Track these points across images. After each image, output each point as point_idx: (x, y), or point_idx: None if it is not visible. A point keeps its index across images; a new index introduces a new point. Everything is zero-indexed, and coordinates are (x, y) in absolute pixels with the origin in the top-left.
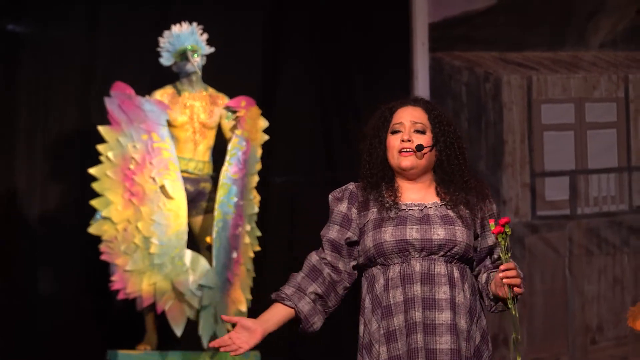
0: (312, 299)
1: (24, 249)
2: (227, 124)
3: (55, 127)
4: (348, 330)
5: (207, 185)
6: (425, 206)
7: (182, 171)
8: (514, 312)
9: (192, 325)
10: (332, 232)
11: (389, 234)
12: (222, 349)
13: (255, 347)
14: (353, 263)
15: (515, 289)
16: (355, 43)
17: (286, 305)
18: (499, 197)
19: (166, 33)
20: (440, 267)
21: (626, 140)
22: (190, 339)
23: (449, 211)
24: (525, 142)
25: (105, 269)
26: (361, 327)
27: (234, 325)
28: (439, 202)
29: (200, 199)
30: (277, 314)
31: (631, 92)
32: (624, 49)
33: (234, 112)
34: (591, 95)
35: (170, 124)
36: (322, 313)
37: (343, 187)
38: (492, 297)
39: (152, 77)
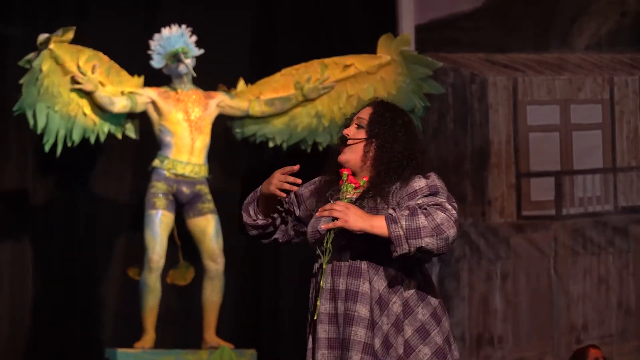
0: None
1: (21, 248)
2: (233, 101)
3: None
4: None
5: (203, 187)
6: (351, 200)
7: (179, 175)
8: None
9: (189, 323)
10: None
11: (310, 225)
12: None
13: (252, 346)
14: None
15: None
16: (343, 44)
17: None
18: (484, 197)
19: (156, 36)
20: (347, 259)
21: (611, 142)
22: (188, 338)
23: (357, 203)
24: (511, 142)
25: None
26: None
27: None
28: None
29: (196, 200)
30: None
31: (616, 93)
32: (609, 51)
33: (229, 88)
34: (576, 96)
35: (164, 117)
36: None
37: (318, 178)
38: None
39: (143, 62)
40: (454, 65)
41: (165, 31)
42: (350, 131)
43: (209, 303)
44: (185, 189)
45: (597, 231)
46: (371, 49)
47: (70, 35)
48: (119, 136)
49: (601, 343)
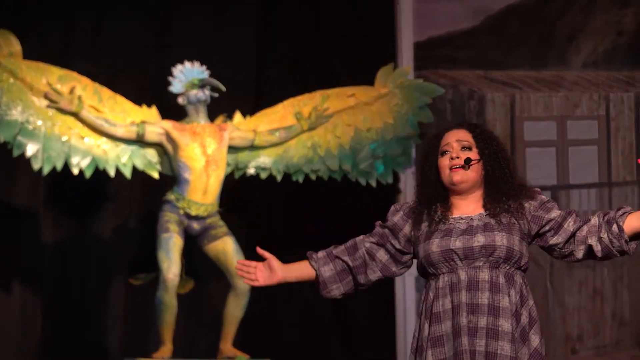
0: (339, 268)
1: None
2: (241, 131)
3: None
4: (334, 336)
5: (214, 219)
6: (471, 218)
7: (193, 217)
8: None
9: (207, 334)
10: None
11: (435, 245)
12: (240, 273)
13: (267, 356)
14: (388, 259)
15: None
16: (343, 61)
17: (311, 265)
18: None
19: (179, 66)
20: (485, 274)
21: (607, 157)
22: (207, 348)
23: (490, 220)
24: None
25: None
26: (415, 333)
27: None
28: (484, 213)
29: (208, 230)
30: (300, 269)
31: (612, 110)
32: (605, 69)
33: (230, 117)
34: (573, 113)
35: (181, 150)
36: (345, 285)
37: (404, 202)
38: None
39: (153, 96)
40: (453, 82)
41: (188, 64)
42: (458, 154)
43: (230, 317)
44: (195, 225)
45: None
46: (370, 72)
47: (17, 47)
48: (155, 175)
49: (596, 353)
